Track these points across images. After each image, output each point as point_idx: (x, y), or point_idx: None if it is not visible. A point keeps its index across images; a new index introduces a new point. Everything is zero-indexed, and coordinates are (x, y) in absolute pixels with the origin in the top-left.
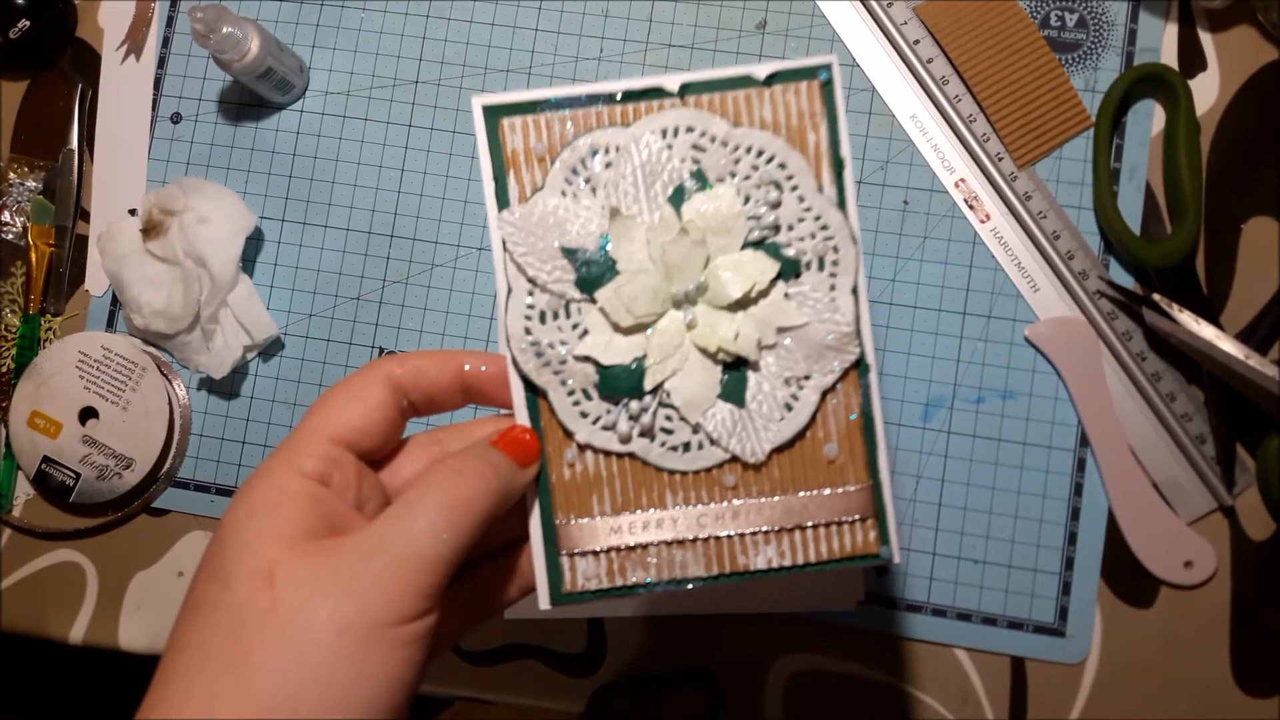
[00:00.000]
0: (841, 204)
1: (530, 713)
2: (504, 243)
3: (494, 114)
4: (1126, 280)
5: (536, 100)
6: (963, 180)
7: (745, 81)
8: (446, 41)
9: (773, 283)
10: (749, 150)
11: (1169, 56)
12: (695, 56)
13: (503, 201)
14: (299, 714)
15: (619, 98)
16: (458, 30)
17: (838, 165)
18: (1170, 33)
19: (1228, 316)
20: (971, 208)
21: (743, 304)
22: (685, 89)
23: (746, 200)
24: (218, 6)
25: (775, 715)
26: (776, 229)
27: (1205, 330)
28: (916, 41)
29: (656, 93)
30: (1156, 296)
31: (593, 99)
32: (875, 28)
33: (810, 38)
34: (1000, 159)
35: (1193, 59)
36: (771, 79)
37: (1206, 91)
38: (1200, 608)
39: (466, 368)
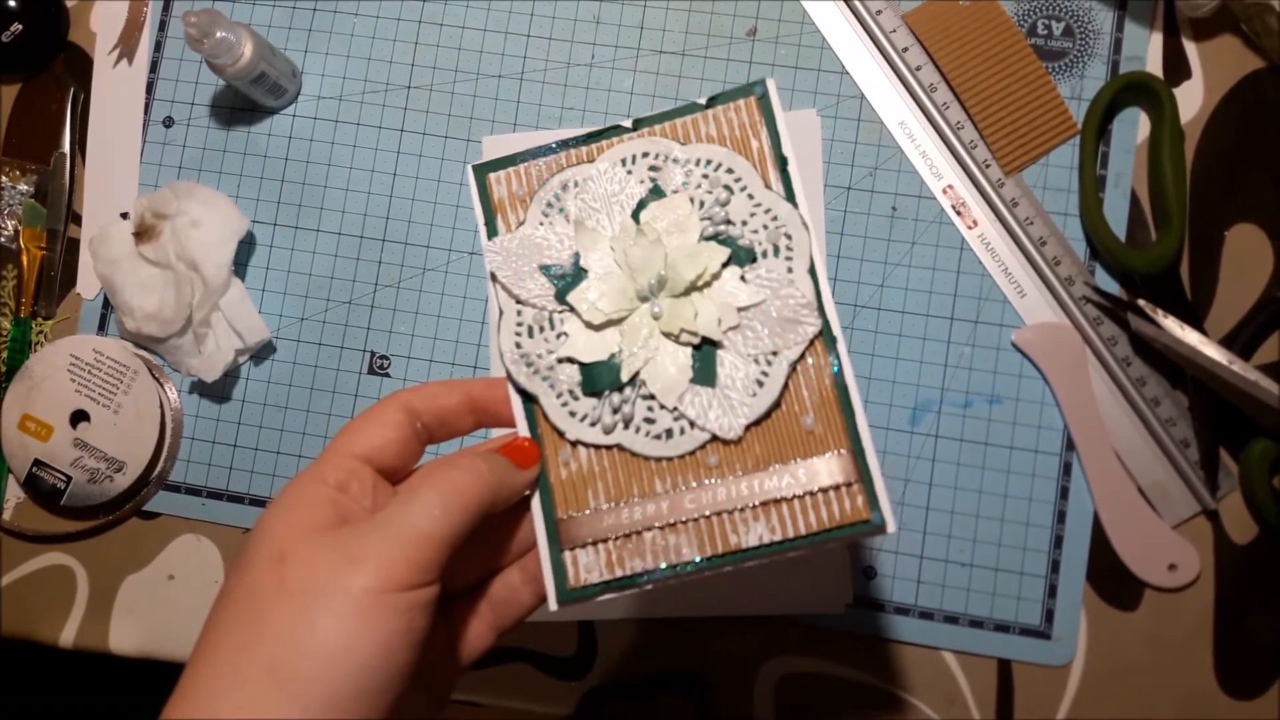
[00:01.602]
0: (790, 196)
1: (520, 716)
2: (493, 272)
3: (482, 171)
4: (1112, 286)
5: (515, 154)
6: (950, 187)
7: (690, 108)
8: (439, 47)
9: (725, 266)
10: (698, 162)
11: (1154, 65)
12: (686, 63)
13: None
14: (305, 671)
15: (584, 140)
16: (450, 35)
17: (782, 163)
18: (1155, 41)
19: (1212, 322)
20: (959, 214)
21: (699, 288)
22: (638, 123)
23: (701, 205)
24: (211, 11)
25: (765, 717)
26: (730, 223)
27: (1190, 335)
28: (905, 49)
29: (615, 130)
30: (1141, 302)
31: (562, 144)
32: (864, 35)
33: (800, 45)
34: (987, 166)
35: (1177, 67)
36: (712, 101)
37: (1191, 100)
38: (1184, 610)
39: (474, 390)
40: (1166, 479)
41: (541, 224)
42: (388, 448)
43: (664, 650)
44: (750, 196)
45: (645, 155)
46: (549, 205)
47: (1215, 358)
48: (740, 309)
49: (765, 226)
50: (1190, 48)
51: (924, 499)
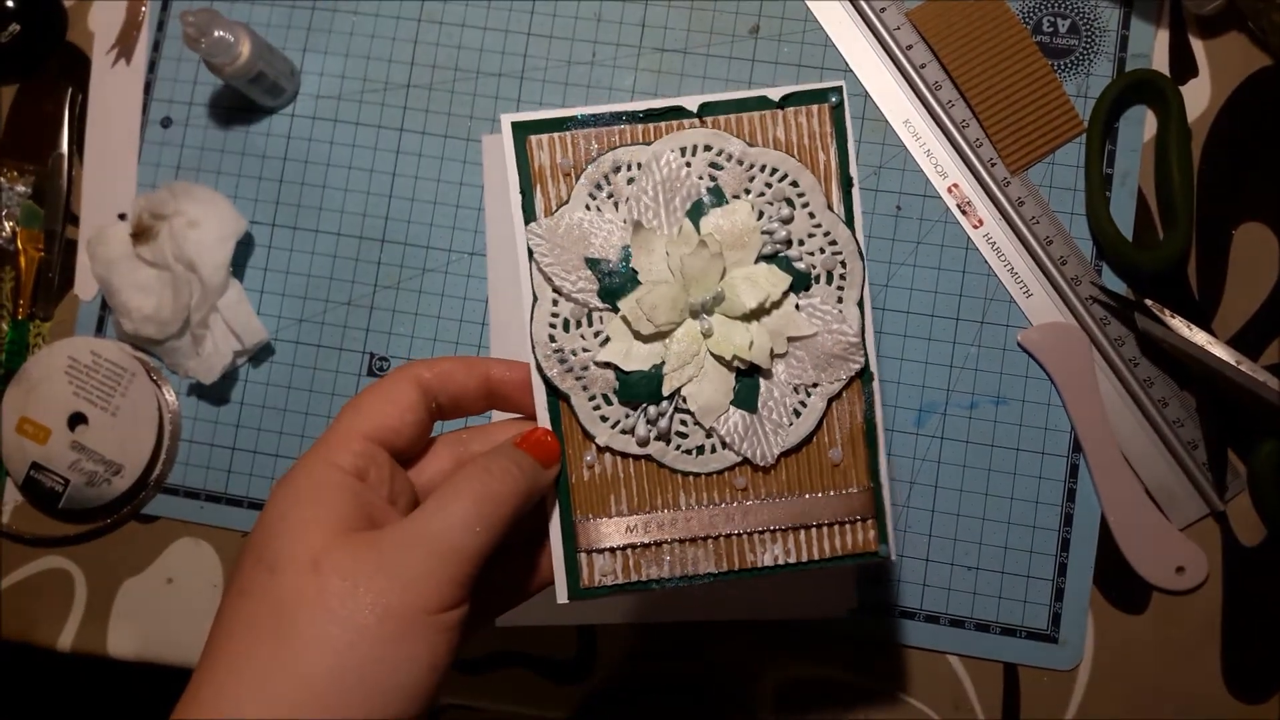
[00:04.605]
0: (849, 221)
1: None
2: (531, 253)
3: (522, 131)
4: (1119, 286)
5: (564, 118)
6: (956, 185)
7: (760, 103)
8: (438, 45)
9: (785, 295)
10: (763, 169)
11: (1160, 63)
12: (688, 61)
13: (529, 215)
14: (344, 691)
15: (641, 116)
16: (449, 34)
17: (846, 184)
18: (1162, 39)
19: (1220, 322)
20: (964, 213)
21: (756, 315)
22: (704, 109)
23: (761, 215)
24: (209, 10)
25: None
26: (789, 243)
27: (1197, 336)
28: (909, 46)
29: (677, 112)
30: (1149, 302)
31: (616, 117)
32: (868, 32)
33: (803, 43)
34: (993, 164)
35: (1184, 65)
36: (785, 101)
37: (1198, 97)
38: (1192, 613)
39: (493, 373)
40: (1174, 481)
41: (589, 207)
42: (402, 429)
43: (666, 654)
44: (811, 216)
45: (708, 149)
46: (598, 187)
47: (1223, 358)
48: (790, 339)
49: (822, 250)
50: (1197, 45)
51: (929, 502)
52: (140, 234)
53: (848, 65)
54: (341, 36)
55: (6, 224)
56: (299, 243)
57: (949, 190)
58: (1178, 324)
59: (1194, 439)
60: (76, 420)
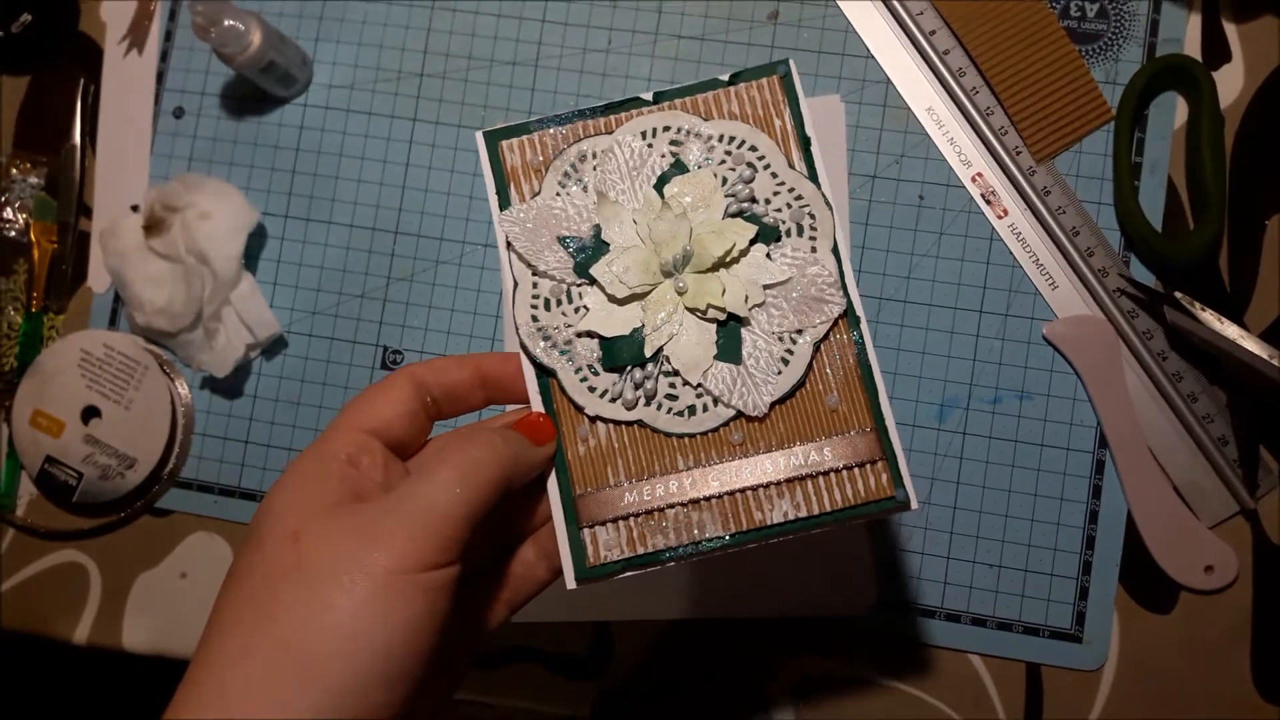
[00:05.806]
0: (813, 176)
1: (531, 716)
2: (508, 241)
3: (494, 138)
4: (1147, 278)
5: (528, 122)
6: (980, 175)
7: (712, 84)
8: (452, 33)
9: (753, 243)
10: (721, 138)
11: (1192, 47)
12: (705, 48)
13: (505, 209)
14: (323, 654)
15: (602, 110)
16: (463, 21)
17: (805, 143)
18: (1194, 23)
19: (1251, 315)
20: (989, 203)
21: (727, 264)
22: (659, 96)
23: (724, 182)
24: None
25: None
26: (753, 201)
27: (1228, 329)
28: (933, 32)
29: (635, 102)
30: (1178, 294)
31: (578, 114)
32: (890, 19)
33: (824, 29)
34: (1018, 153)
35: (1217, 50)
36: (735, 78)
37: (1231, 83)
38: (1221, 613)
39: (485, 365)
40: (1203, 478)
41: (559, 194)
42: (397, 422)
43: (679, 652)
44: (774, 175)
45: (666, 129)
46: (566, 175)
47: (1255, 352)
48: (765, 286)
49: (789, 205)
50: (1230, 29)
51: (951, 498)
52: (152, 226)
53: (869, 51)
54: (354, 25)
55: (20, 216)
56: (312, 234)
57: (973, 179)
58: (1208, 317)
59: (1224, 435)
60: (90, 413)
